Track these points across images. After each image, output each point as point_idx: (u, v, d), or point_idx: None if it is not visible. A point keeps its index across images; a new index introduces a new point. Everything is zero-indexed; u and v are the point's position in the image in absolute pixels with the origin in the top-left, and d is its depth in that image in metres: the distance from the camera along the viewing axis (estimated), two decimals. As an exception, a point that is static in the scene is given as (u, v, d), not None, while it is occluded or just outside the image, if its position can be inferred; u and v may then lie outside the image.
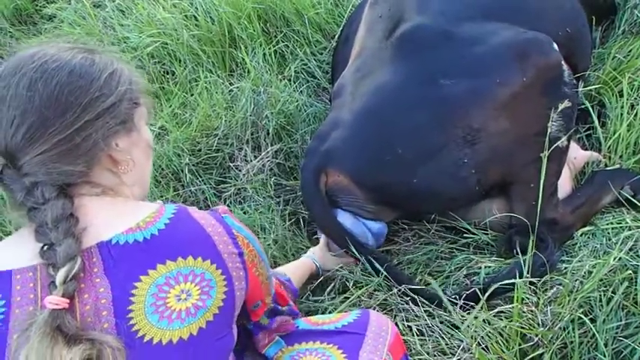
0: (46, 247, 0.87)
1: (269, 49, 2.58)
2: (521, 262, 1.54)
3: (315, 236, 1.98)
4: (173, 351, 0.87)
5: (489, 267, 1.73)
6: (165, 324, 0.87)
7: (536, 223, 1.59)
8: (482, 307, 1.49)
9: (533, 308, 1.45)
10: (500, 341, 1.44)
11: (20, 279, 0.87)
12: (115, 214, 0.93)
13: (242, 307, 1.07)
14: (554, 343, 1.42)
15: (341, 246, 1.79)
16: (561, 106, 1.48)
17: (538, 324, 1.43)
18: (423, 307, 1.61)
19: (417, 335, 1.56)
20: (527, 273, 1.49)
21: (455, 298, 1.58)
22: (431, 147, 1.72)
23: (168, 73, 2.76)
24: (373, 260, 1.74)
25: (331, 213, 1.80)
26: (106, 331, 0.85)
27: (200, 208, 1.02)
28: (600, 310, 1.50)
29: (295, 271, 1.68)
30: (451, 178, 1.71)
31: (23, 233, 0.93)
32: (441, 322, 1.57)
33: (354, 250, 1.75)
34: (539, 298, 1.49)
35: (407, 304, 1.64)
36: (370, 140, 1.78)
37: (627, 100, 1.99)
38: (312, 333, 1.33)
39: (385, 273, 1.71)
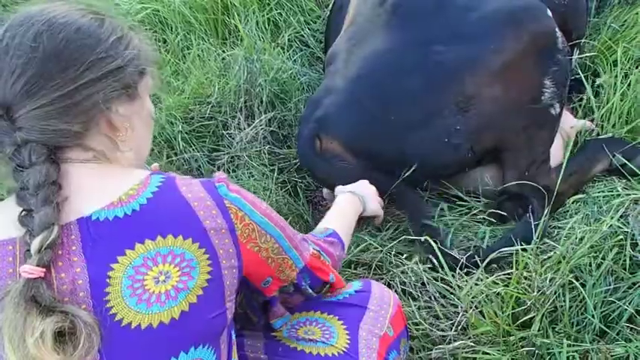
0: (24, 213, 0.85)
1: (262, 16, 2.55)
2: (530, 228, 1.57)
3: (316, 200, 2.00)
4: (153, 335, 0.85)
5: (483, 233, 1.75)
6: (143, 307, 0.84)
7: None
8: (481, 274, 1.51)
9: (533, 274, 1.47)
10: (494, 306, 1.46)
11: None
12: (99, 186, 0.90)
13: (251, 285, 1.05)
14: (544, 307, 1.44)
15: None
16: (553, 72, 1.48)
17: (533, 289, 1.45)
18: (423, 271, 1.63)
19: (411, 299, 1.58)
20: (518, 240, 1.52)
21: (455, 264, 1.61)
22: (423, 114, 1.72)
23: (160, 41, 2.72)
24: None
25: (337, 169, 1.78)
26: None
27: (194, 177, 0.98)
28: (590, 275, 1.52)
29: (347, 218, 1.50)
30: (443, 145, 1.72)
31: (5, 204, 0.90)
32: (436, 280, 1.59)
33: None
34: (541, 265, 1.50)
35: (403, 265, 1.66)
36: (363, 107, 1.77)
37: (621, 69, 1.99)
38: (312, 302, 1.30)
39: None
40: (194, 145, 2.20)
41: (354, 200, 1.59)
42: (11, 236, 0.85)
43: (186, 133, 2.21)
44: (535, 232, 1.54)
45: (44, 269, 0.81)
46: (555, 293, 1.48)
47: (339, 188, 1.68)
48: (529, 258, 1.49)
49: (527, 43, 1.70)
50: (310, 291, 1.20)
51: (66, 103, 0.87)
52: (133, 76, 0.97)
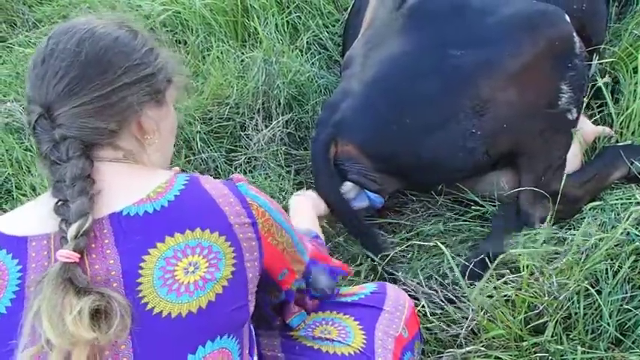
0: (60, 203, 0.90)
1: (281, 19, 2.57)
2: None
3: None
4: (182, 324, 0.88)
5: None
6: (173, 297, 0.88)
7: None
8: (489, 277, 1.50)
9: (540, 278, 1.46)
10: (505, 310, 1.46)
11: (35, 246, 0.90)
12: (128, 183, 0.96)
13: (269, 279, 1.08)
14: (558, 313, 1.44)
15: (341, 220, 1.81)
16: (570, 77, 1.48)
17: (544, 293, 1.44)
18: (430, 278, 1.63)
19: (423, 305, 1.58)
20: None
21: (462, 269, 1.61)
22: (439, 117, 1.72)
23: (180, 42, 2.75)
24: (367, 241, 1.78)
25: (336, 186, 1.79)
26: None
27: (211, 176, 1.03)
28: (606, 283, 1.51)
29: (314, 218, 1.59)
30: (458, 149, 1.71)
31: (39, 200, 0.97)
32: (445, 288, 1.59)
33: (350, 225, 1.78)
34: (547, 268, 1.50)
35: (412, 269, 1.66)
36: (379, 110, 1.78)
37: (642, 76, 1.97)
38: (328, 303, 1.33)
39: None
40: (212, 146, 2.22)
41: (316, 204, 1.70)
42: (46, 232, 0.91)
43: (204, 133, 2.23)
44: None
45: (79, 255, 0.86)
46: (570, 300, 1.47)
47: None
48: (534, 266, 1.48)
49: (544, 47, 1.69)
50: (316, 283, 1.22)
51: (103, 104, 0.96)
52: (163, 83, 1.06)
